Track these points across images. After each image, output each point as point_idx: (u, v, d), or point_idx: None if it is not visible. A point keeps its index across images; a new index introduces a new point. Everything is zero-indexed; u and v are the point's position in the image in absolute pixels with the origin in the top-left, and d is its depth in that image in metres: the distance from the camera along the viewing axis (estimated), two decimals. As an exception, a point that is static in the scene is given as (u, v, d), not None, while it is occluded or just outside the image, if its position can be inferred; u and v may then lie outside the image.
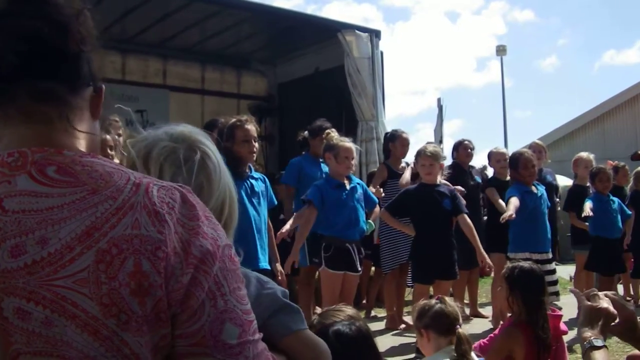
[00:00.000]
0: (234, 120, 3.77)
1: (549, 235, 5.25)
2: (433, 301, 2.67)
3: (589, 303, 1.60)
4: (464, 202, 4.95)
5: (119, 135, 4.08)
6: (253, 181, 3.73)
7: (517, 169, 5.23)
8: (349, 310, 2.01)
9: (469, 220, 4.79)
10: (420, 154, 4.86)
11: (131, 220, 0.75)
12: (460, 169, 6.26)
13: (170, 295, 0.74)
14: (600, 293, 1.62)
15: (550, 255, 5.19)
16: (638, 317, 1.64)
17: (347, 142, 4.52)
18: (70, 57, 0.83)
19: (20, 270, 0.72)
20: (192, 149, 1.13)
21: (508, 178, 5.67)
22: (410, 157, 6.03)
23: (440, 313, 2.57)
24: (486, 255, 4.78)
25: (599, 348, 1.50)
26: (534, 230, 5.06)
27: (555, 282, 5.09)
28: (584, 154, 6.70)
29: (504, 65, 20.41)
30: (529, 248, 4.95)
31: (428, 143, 6.03)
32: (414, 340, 5.01)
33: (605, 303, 1.59)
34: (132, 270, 0.73)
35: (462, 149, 6.36)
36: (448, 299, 2.68)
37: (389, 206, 5.00)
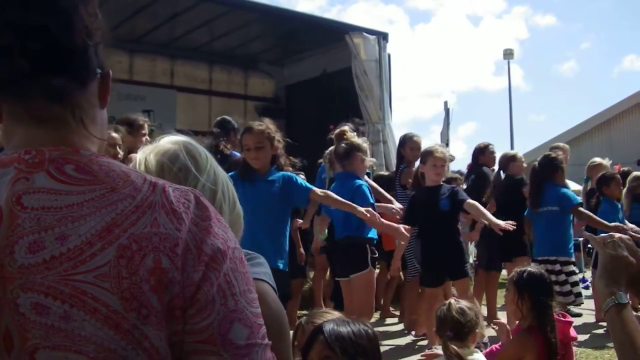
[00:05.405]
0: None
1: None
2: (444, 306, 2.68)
3: (610, 252, 1.40)
4: (462, 194, 4.82)
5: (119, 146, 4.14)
6: (262, 184, 3.70)
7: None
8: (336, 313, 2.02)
9: (472, 202, 4.62)
10: (431, 154, 4.80)
11: (150, 219, 0.76)
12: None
13: (183, 291, 0.75)
14: (616, 236, 1.43)
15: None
16: None
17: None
18: (79, 51, 0.81)
19: (39, 265, 0.72)
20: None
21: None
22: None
23: (443, 318, 2.61)
24: (499, 222, 4.37)
25: (624, 305, 1.31)
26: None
27: (576, 284, 5.08)
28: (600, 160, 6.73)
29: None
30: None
31: (436, 144, 6.02)
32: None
33: (625, 251, 1.40)
34: (152, 267, 0.74)
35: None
36: (454, 303, 2.66)
37: (404, 220, 4.91)
